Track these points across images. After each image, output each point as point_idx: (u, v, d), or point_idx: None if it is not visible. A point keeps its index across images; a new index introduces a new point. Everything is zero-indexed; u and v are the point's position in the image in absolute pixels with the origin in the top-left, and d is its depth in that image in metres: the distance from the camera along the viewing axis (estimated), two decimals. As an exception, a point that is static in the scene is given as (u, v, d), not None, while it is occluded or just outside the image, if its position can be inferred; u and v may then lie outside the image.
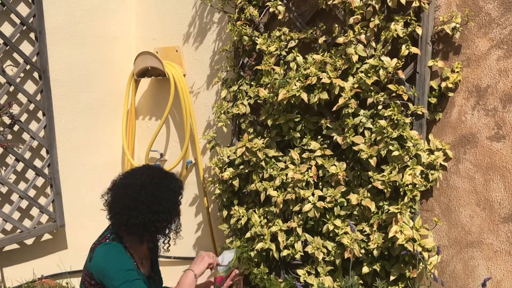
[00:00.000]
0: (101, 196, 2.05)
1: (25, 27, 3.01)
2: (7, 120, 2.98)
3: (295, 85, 2.59)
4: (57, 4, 3.23)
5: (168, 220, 1.99)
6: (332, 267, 2.67)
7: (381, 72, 2.43)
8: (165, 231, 2.02)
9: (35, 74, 3.15)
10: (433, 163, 2.46)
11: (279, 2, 2.77)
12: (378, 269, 2.52)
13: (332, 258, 2.64)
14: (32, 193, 3.21)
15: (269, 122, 2.79)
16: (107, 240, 1.96)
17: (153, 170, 2.02)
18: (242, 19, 2.93)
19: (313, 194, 2.64)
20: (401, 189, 2.40)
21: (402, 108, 2.46)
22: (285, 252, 2.75)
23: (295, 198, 2.69)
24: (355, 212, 2.59)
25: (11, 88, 2.98)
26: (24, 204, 3.17)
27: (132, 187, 1.93)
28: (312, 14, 2.78)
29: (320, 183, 2.71)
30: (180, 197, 2.04)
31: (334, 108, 2.55)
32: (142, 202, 1.91)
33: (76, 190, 3.49)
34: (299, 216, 2.71)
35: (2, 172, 3.04)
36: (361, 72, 2.50)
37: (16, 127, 3.07)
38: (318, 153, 2.65)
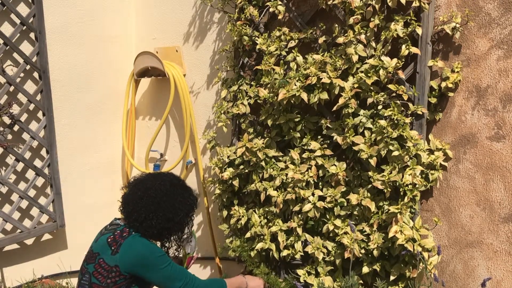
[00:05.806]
0: (121, 188, 2.25)
1: (25, 27, 3.01)
2: (7, 120, 2.98)
3: (295, 85, 2.59)
4: (57, 4, 3.22)
5: (180, 230, 2.19)
6: (332, 267, 2.68)
7: (381, 72, 2.43)
8: (174, 239, 2.22)
9: (35, 74, 3.14)
10: (433, 163, 2.46)
11: (279, 2, 2.77)
12: (378, 269, 2.52)
13: (332, 258, 2.64)
14: (32, 193, 3.21)
15: (269, 122, 2.79)
16: (133, 233, 2.06)
17: (177, 181, 2.18)
18: (242, 19, 2.93)
19: (313, 194, 2.64)
20: (401, 189, 2.40)
21: (402, 108, 2.46)
22: (285, 252, 2.75)
23: (295, 198, 2.69)
24: (355, 212, 2.59)
25: (11, 88, 2.98)
26: (24, 204, 3.17)
27: (155, 191, 2.08)
28: (312, 14, 2.78)
29: (320, 183, 2.71)
30: (193, 212, 2.22)
31: (334, 108, 2.55)
32: (162, 208, 2.07)
33: (76, 190, 3.49)
34: (299, 216, 2.71)
35: (2, 172, 3.04)
36: (361, 72, 2.50)
37: (16, 127, 3.07)
38: (318, 153, 2.65)
